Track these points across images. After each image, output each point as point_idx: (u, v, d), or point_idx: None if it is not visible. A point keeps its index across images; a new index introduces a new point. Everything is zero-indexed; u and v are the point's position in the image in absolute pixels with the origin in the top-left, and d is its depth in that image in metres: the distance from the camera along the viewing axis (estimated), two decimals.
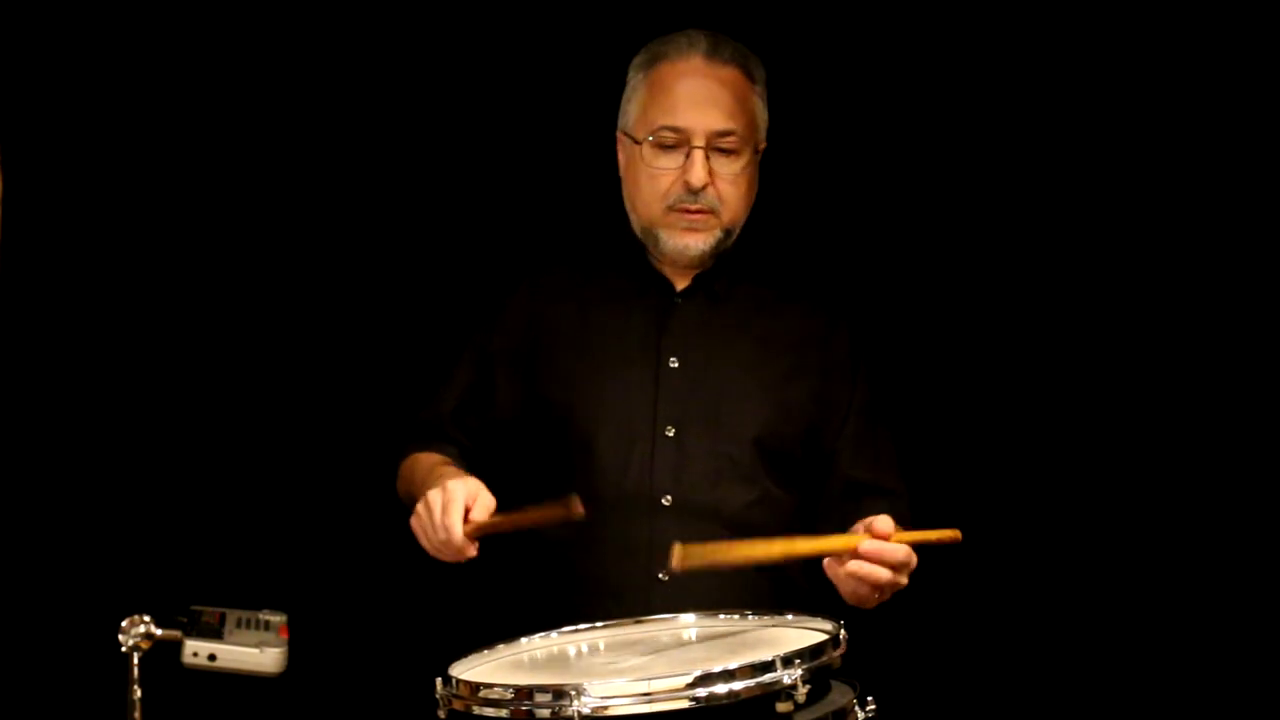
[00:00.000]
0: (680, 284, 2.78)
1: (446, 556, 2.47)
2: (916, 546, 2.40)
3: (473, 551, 2.44)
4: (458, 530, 2.41)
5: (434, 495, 2.45)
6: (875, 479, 2.72)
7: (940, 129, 3.24)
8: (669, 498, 2.66)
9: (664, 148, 2.69)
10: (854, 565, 2.38)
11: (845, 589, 2.45)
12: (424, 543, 2.49)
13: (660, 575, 2.62)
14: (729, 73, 2.71)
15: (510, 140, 3.29)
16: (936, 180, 3.25)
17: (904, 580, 2.42)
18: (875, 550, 2.37)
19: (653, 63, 2.73)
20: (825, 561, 2.44)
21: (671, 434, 2.68)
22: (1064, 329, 3.23)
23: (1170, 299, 3.18)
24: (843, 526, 2.52)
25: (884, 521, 2.40)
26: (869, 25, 3.23)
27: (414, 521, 2.49)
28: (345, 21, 3.25)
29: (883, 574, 2.38)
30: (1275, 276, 3.14)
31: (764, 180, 2.79)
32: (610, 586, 2.62)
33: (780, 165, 2.84)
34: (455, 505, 2.42)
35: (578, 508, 2.39)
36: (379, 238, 3.30)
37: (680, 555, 2.27)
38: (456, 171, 3.30)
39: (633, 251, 2.79)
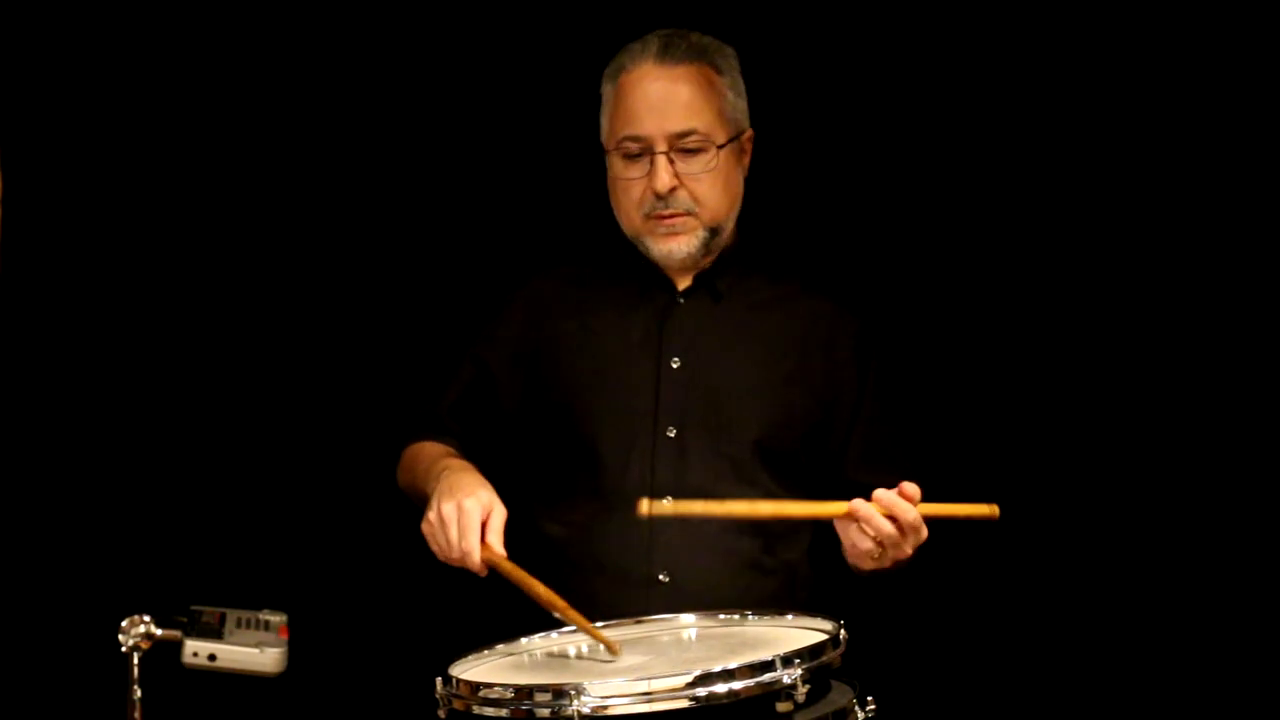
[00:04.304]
0: (682, 284, 2.77)
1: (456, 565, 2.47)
2: (951, 523, 2.39)
3: (484, 572, 2.44)
4: (475, 556, 2.41)
5: (449, 510, 2.43)
6: (882, 482, 2.55)
7: (951, 119, 3.22)
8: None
9: (630, 157, 2.69)
10: (858, 503, 2.39)
11: (846, 541, 2.45)
12: (435, 551, 2.48)
13: (660, 576, 2.63)
14: (684, 70, 2.68)
15: (516, 142, 3.28)
16: (946, 173, 3.23)
17: (908, 549, 2.41)
18: (888, 500, 2.38)
19: (615, 74, 2.73)
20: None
21: (673, 434, 2.68)
22: (1067, 331, 3.22)
23: (1197, 290, 3.16)
24: None
25: (912, 486, 2.40)
26: (885, 20, 3.22)
27: (425, 528, 2.48)
28: (348, 24, 3.25)
29: (884, 525, 2.37)
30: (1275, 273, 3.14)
31: (770, 175, 2.78)
32: (610, 586, 2.62)
33: (785, 160, 2.82)
34: (472, 530, 2.41)
35: (616, 647, 2.35)
36: (382, 239, 3.30)
37: (648, 506, 2.37)
38: (462, 172, 3.30)
39: (634, 253, 2.78)
